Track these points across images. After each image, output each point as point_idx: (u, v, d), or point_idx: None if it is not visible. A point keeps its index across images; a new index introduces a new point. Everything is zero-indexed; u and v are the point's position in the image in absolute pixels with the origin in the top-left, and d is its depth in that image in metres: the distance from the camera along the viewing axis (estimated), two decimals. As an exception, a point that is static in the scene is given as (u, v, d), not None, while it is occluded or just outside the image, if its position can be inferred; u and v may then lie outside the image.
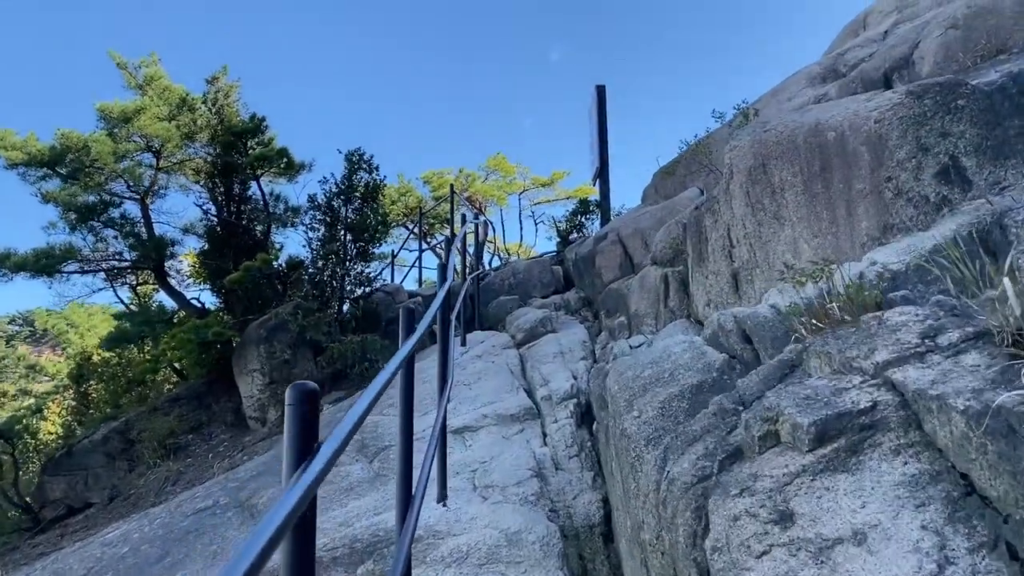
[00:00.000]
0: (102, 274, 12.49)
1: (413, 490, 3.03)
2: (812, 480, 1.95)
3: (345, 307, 9.76)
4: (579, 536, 4.62)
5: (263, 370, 9.94)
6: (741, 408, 2.70)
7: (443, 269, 5.07)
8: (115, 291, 12.40)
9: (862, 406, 2.06)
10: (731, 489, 2.12)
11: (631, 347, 6.32)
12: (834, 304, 3.13)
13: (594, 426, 5.78)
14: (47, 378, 19.31)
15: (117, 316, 11.53)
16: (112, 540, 6.72)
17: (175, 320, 11.39)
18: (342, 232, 10.27)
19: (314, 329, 8.97)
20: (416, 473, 3.39)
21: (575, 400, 6.17)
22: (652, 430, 3.31)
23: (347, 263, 10.12)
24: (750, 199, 5.40)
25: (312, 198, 10.31)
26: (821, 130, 4.98)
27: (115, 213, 10.64)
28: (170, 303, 12.67)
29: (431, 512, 4.60)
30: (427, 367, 7.31)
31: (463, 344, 8.64)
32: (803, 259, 4.92)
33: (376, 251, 10.21)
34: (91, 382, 14.11)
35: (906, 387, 2.02)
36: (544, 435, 5.89)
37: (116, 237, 10.66)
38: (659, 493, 2.52)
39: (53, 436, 14.27)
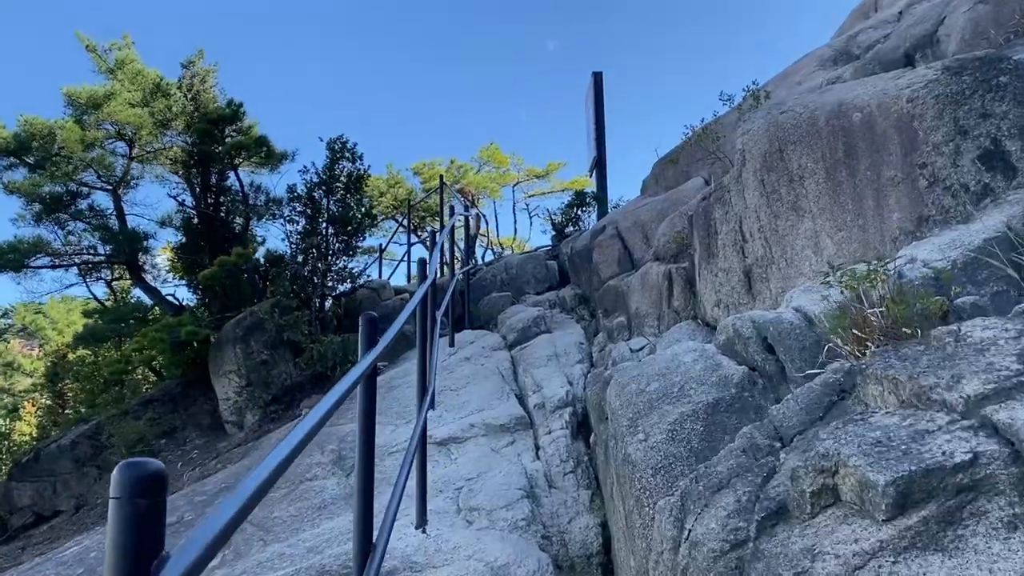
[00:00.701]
0: (75, 269, 11.95)
1: (374, 538, 2.54)
2: (895, 563, 1.46)
3: (328, 304, 9.24)
4: (575, 568, 4.13)
5: (240, 371, 9.43)
6: (778, 445, 2.21)
7: (423, 265, 4.56)
8: (88, 287, 11.87)
9: (957, 459, 1.56)
10: (780, 569, 1.63)
11: (632, 350, 5.83)
12: (876, 310, 2.64)
13: (591, 438, 5.29)
14: (27, 375, 18.75)
15: (88, 313, 10.99)
16: (67, 559, 6.21)
17: (149, 318, 10.86)
18: (324, 225, 9.75)
19: (292, 328, 8.47)
20: (385, 498, 2.92)
21: (570, 409, 5.68)
22: (661, 458, 2.82)
23: (329, 258, 9.60)
24: (765, 188, 4.91)
25: (292, 189, 9.78)
26: (845, 111, 4.49)
27: (83, 204, 10.08)
28: (149, 300, 12.14)
29: (409, 540, 4.10)
30: (414, 368, 6.78)
31: (451, 345, 8.14)
32: (825, 255, 4.43)
33: (360, 245, 9.70)
34: (66, 381, 13.58)
35: (1017, 433, 1.53)
36: (536, 448, 5.40)
37: (85, 230, 10.10)
38: (677, 556, 2.03)
39: (27, 438, 13.74)
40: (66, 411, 13.66)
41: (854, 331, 2.56)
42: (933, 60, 6.03)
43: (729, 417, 2.87)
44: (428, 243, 6.59)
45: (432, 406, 6.35)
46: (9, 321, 18.74)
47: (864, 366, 2.20)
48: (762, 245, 4.86)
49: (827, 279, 3.08)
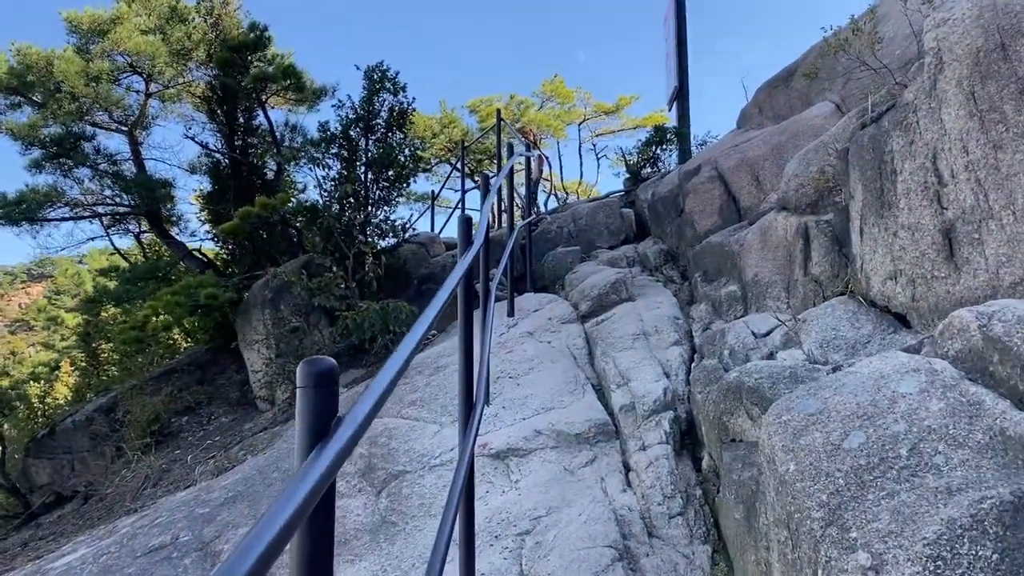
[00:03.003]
0: (99, 221, 11.04)
1: None
2: None
3: (368, 263, 7.99)
4: None
5: (268, 340, 8.36)
6: None
7: (467, 225, 3.17)
8: (111, 240, 10.94)
9: None
10: None
11: (755, 335, 4.37)
12: None
13: (703, 460, 3.91)
14: (71, 332, 18.40)
15: (104, 271, 10.09)
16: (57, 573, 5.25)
17: (172, 277, 9.87)
18: (362, 169, 8.45)
19: (323, 293, 7.26)
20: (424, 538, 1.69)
21: (670, 414, 4.29)
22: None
23: (369, 208, 8.32)
24: (977, 105, 3.32)
25: (324, 127, 8.47)
26: None
27: (89, 147, 9.00)
28: (180, 255, 11.16)
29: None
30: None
31: (510, 315, 6.80)
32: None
33: (404, 192, 8.37)
34: (100, 342, 12.88)
35: None
36: (626, 469, 4.05)
37: (93, 178, 9.06)
38: None
39: (61, 400, 13.17)
40: (100, 374, 13.01)
41: None
42: None
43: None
44: (481, 189, 5.19)
45: (487, 400, 5.06)
46: (52, 271, 18.30)
47: None
48: (972, 190, 3.29)
49: None
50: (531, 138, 17.52)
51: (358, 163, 8.37)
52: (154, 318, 8.02)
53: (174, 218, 10.51)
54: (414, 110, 8.70)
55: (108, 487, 7.36)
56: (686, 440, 4.22)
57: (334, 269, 7.68)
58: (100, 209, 10.73)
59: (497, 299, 8.25)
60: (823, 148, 4.80)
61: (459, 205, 11.66)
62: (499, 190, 7.32)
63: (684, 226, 7.24)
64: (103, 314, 13.11)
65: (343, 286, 7.74)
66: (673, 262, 7.70)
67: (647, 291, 6.73)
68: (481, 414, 3.53)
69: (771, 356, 4.05)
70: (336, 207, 8.28)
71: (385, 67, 8.62)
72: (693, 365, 4.82)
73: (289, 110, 11.63)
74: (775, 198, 5.59)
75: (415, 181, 8.92)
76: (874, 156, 3.74)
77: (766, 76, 8.43)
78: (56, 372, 15.27)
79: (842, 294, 4.18)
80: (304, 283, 7.32)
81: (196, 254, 10.11)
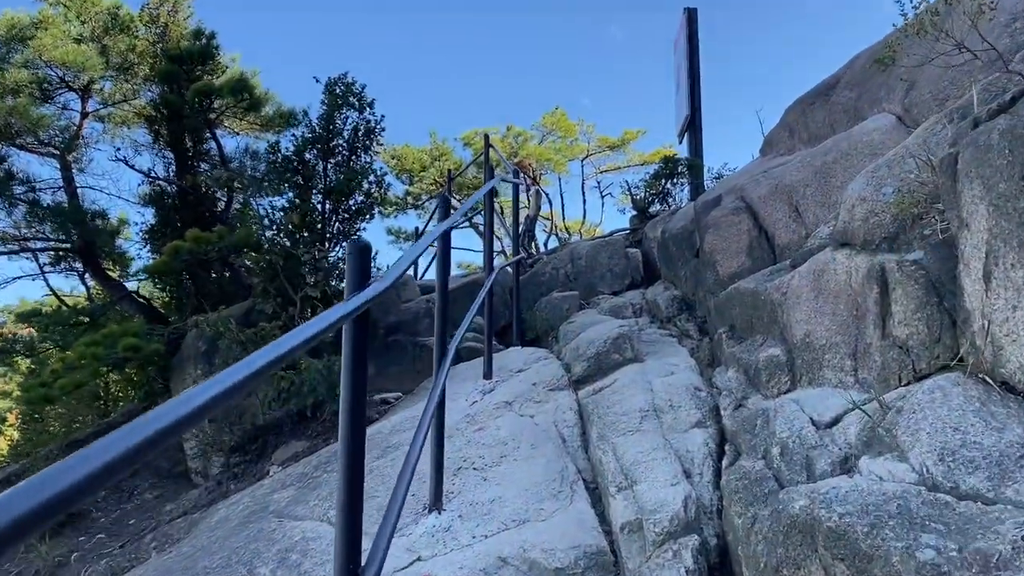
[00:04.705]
0: (33, 258, 9.85)
1: None
2: None
3: (319, 310, 6.73)
4: None
5: (201, 401, 7.04)
6: None
7: (362, 256, 1.93)
8: (45, 279, 9.72)
9: None
10: None
11: (817, 425, 3.08)
12: None
13: (750, 627, 2.58)
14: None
15: (24, 316, 8.87)
16: None
17: (100, 322, 8.61)
18: (319, 198, 7.25)
19: (257, 346, 5.97)
20: None
21: (694, 539, 2.98)
22: None
23: (326, 243, 7.10)
24: None
25: (274, 148, 7.30)
26: None
27: (1, 171, 7.81)
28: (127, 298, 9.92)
29: None
30: (449, 392, 4.02)
31: (487, 376, 5.51)
32: None
33: (364, 226, 7.14)
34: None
35: None
36: (631, 635, 2.72)
37: (12, 208, 7.86)
38: None
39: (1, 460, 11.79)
40: (47, 429, 11.66)
41: None
42: None
43: None
44: (440, 211, 3.94)
45: (437, 506, 3.74)
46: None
47: None
48: None
49: None
50: (530, 173, 16.40)
51: (313, 191, 7.18)
52: (58, 372, 6.74)
53: (115, 255, 9.31)
54: (382, 129, 7.53)
55: (-11, 586, 6.00)
56: (719, 582, 2.90)
57: (277, 315, 6.42)
58: (39, 244, 9.57)
59: (472, 356, 6.99)
60: (901, 162, 3.56)
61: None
62: (489, 224, 6.11)
63: (703, 268, 5.98)
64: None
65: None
66: (688, 312, 6.43)
67: (658, 349, 5.44)
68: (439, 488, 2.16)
69: (847, 464, 2.74)
70: (287, 242, 7.05)
71: (350, 79, 7.49)
72: (725, 462, 3.51)
73: (256, 136, 10.52)
74: (826, 232, 4.34)
75: (382, 213, 7.71)
76: (1012, 159, 2.48)
77: (787, 100, 7.27)
78: (3, 422, 13.92)
79: (945, 368, 2.89)
80: (234, 334, 6.06)
81: (136, 297, 8.88)
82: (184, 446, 7.62)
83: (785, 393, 3.76)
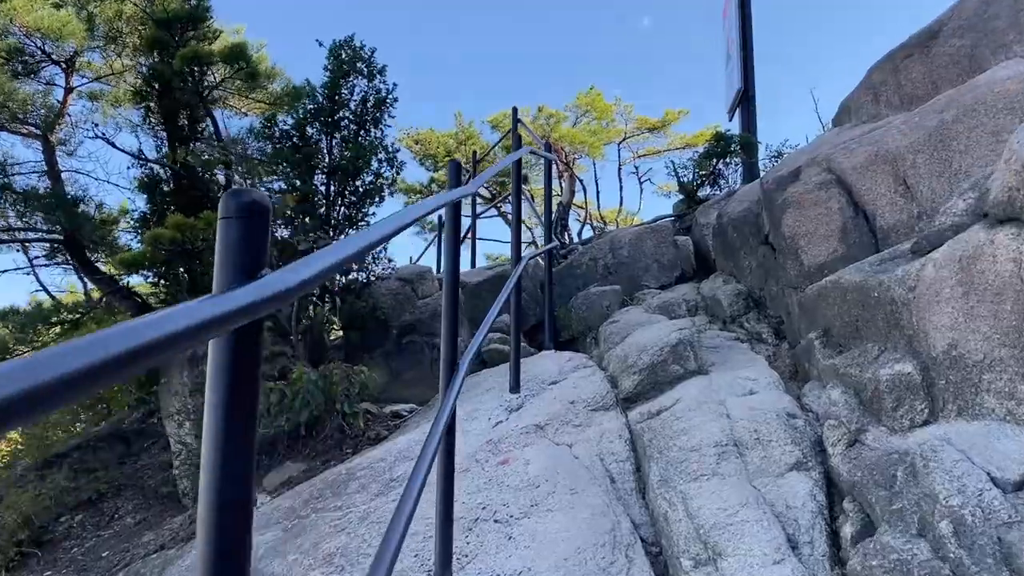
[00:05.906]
0: (23, 250, 9.16)
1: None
2: None
3: (318, 308, 5.86)
4: None
5: (188, 413, 6.25)
6: None
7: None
8: (35, 274, 9.01)
9: None
10: None
11: (996, 483, 2.08)
12: None
13: None
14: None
15: (3, 314, 8.18)
16: None
17: (83, 320, 7.85)
18: (324, 179, 6.38)
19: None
20: None
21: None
22: None
23: (329, 231, 6.21)
24: None
25: (270, 121, 6.43)
26: None
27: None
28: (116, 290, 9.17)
29: None
30: (467, 408, 3.06)
31: (513, 389, 4.56)
32: None
33: (374, 211, 6.25)
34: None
35: None
36: None
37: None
38: None
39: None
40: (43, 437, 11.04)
41: None
42: None
43: None
44: (450, 179, 2.93)
45: (445, 578, 2.80)
46: None
47: None
48: None
49: None
50: (563, 157, 15.40)
51: (316, 171, 6.30)
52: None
53: (105, 245, 8.54)
54: (395, 99, 6.59)
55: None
56: None
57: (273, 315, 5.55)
58: (30, 235, 8.86)
59: (497, 361, 6.05)
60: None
61: (467, 233, 9.52)
62: (517, 206, 5.15)
63: (779, 257, 4.96)
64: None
65: (285, 339, 5.61)
66: (758, 310, 5.42)
67: (726, 358, 4.45)
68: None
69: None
70: (285, 229, 6.19)
71: (358, 43, 6.58)
72: (848, 528, 2.52)
73: (261, 112, 9.68)
74: (962, 206, 3.30)
75: (392, 195, 6.80)
76: None
77: (842, 88, 6.14)
78: None
79: None
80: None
81: (128, 291, 8.10)
82: (174, 462, 6.83)
83: (922, 426, 2.76)
